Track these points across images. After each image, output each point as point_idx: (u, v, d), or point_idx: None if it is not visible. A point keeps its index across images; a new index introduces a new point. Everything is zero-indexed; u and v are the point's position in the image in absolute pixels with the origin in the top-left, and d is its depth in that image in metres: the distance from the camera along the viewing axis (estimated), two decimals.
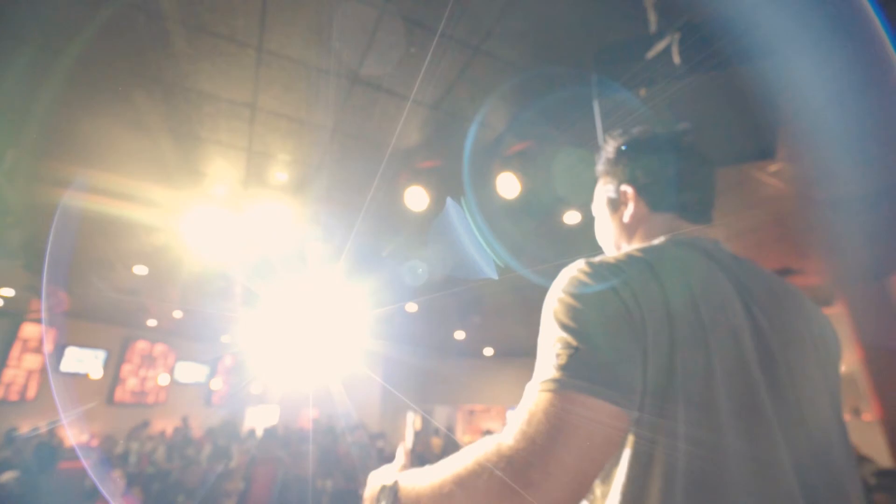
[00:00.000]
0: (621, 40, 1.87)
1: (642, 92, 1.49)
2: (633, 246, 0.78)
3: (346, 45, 2.45)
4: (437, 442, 8.47)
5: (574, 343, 0.56)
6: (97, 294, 7.14)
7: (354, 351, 9.54)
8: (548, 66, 2.58)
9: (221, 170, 3.57)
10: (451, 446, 8.50)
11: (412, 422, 11.14)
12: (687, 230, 0.77)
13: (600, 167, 0.91)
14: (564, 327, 0.58)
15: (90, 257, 5.54)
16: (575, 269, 0.64)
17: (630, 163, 0.83)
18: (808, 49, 2.12)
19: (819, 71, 2.30)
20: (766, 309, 0.66)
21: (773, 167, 3.68)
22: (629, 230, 0.83)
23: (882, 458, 5.55)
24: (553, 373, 0.55)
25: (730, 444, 0.54)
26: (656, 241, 0.73)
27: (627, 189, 0.83)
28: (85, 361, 9.14)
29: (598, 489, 0.61)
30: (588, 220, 4.46)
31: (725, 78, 1.39)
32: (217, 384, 10.98)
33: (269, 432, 4.71)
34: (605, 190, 0.89)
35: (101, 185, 3.82)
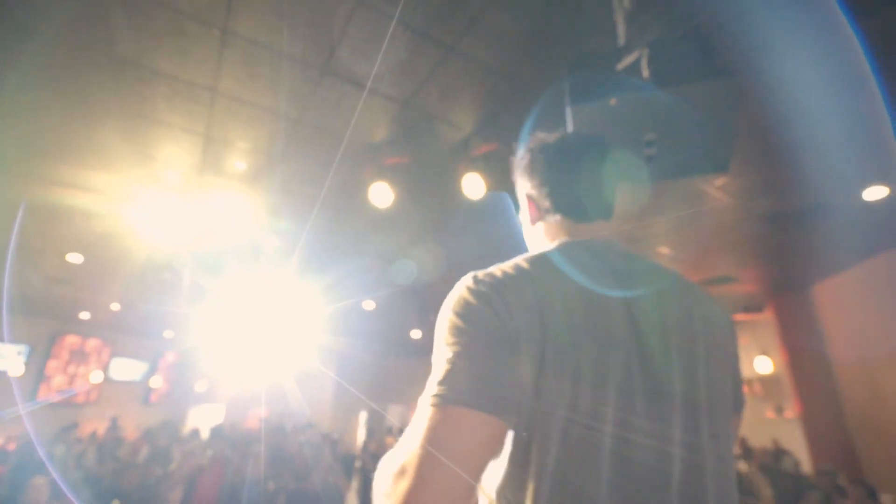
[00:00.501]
0: (594, 50, 1.93)
1: (612, 101, 1.55)
2: (538, 249, 0.80)
3: (317, 34, 2.38)
4: (390, 441, 8.40)
5: (452, 359, 0.60)
6: (22, 284, 6.53)
7: (307, 348, 9.30)
8: (521, 71, 2.63)
9: (174, 155, 3.37)
10: None
11: (364, 421, 11.01)
12: (583, 232, 0.80)
13: (513, 176, 0.96)
14: (446, 343, 0.62)
15: (16, 243, 5.07)
16: (460, 285, 0.68)
17: (522, 173, 0.88)
18: (762, 71, 2.28)
19: (770, 92, 2.49)
20: (647, 304, 0.68)
21: (719, 181, 3.93)
22: (534, 234, 0.88)
23: (801, 453, 6.08)
24: (434, 388, 0.59)
25: (596, 439, 0.58)
26: (551, 245, 0.78)
27: (524, 197, 0.89)
28: (5, 357, 8.35)
29: (493, 491, 0.63)
30: None
31: (689, 93, 1.47)
32: (157, 382, 10.35)
33: (217, 431, 4.49)
34: (518, 195, 0.95)
35: (34, 166, 3.51)
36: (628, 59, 1.68)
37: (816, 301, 6.81)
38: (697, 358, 0.68)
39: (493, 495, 0.63)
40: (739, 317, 7.13)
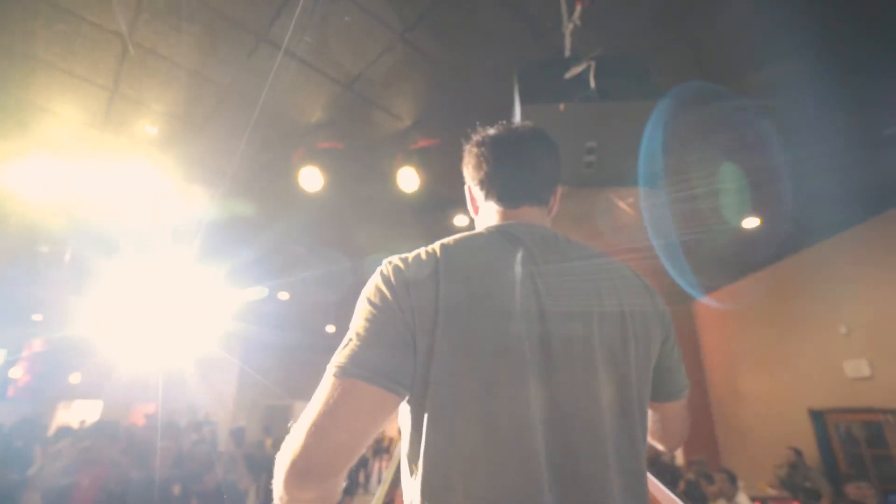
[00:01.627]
0: (541, 56, 2.02)
1: (562, 107, 1.63)
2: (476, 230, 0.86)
3: None
4: (268, 443, 7.77)
5: (353, 336, 0.66)
6: None
7: (209, 339, 8.57)
8: (467, 68, 2.67)
9: (71, 108, 2.93)
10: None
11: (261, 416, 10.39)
12: (512, 217, 0.83)
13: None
14: (353, 321, 0.69)
15: None
16: (376, 273, 0.73)
17: (465, 165, 0.92)
18: (689, 95, 2.53)
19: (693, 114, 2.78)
20: (556, 288, 0.70)
21: (630, 198, 4.31)
22: (477, 221, 0.92)
23: None
24: (334, 360, 0.65)
25: (484, 406, 0.62)
26: (475, 231, 0.82)
27: (466, 187, 0.93)
28: None
29: (411, 465, 0.67)
30: (472, 228, 4.69)
31: (629, 109, 1.60)
32: (17, 372, 8.88)
33: (99, 428, 3.96)
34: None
35: None
36: (576, 70, 1.78)
37: (697, 314, 7.76)
38: (609, 337, 0.70)
39: (406, 462, 0.67)
40: None
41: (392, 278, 0.70)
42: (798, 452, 4.89)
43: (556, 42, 2.37)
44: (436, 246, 0.75)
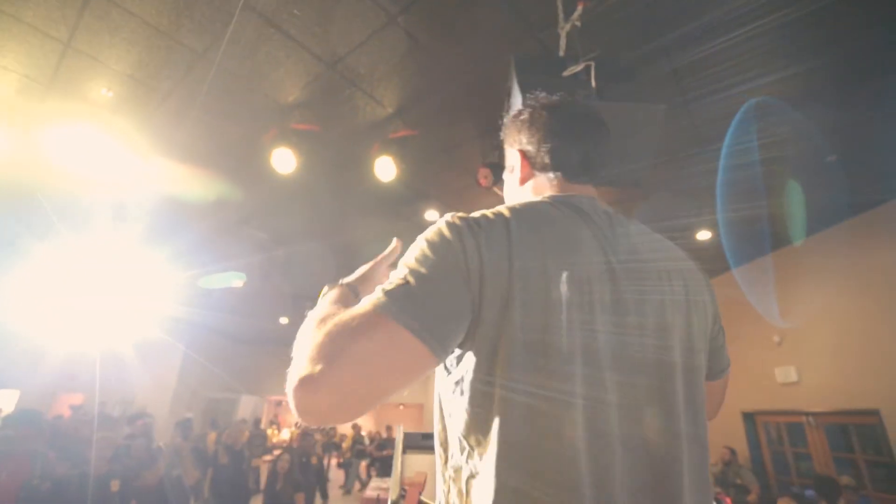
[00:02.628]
0: (534, 53, 2.03)
1: None
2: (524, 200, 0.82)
3: None
4: (211, 437, 7.36)
5: (406, 278, 0.60)
6: None
7: (148, 326, 8.00)
8: (457, 60, 2.64)
9: (14, 58, 2.63)
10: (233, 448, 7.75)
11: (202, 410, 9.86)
12: (571, 190, 0.82)
13: (502, 133, 0.96)
14: (405, 263, 0.63)
15: None
16: (440, 220, 0.68)
17: (519, 129, 0.88)
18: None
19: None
20: (625, 261, 0.70)
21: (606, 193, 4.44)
22: (522, 191, 0.88)
23: None
24: (380, 296, 0.59)
25: (560, 386, 0.59)
26: (535, 199, 0.78)
27: (516, 153, 0.88)
28: None
29: (471, 439, 0.62)
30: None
31: (625, 111, 1.64)
32: None
33: (19, 418, 3.58)
34: (507, 155, 0.94)
35: None
36: (574, 68, 1.81)
37: None
38: (675, 314, 0.71)
39: (460, 443, 0.62)
40: None
41: (462, 232, 0.64)
42: (733, 452, 5.25)
43: (547, 40, 2.40)
44: (502, 209, 0.71)
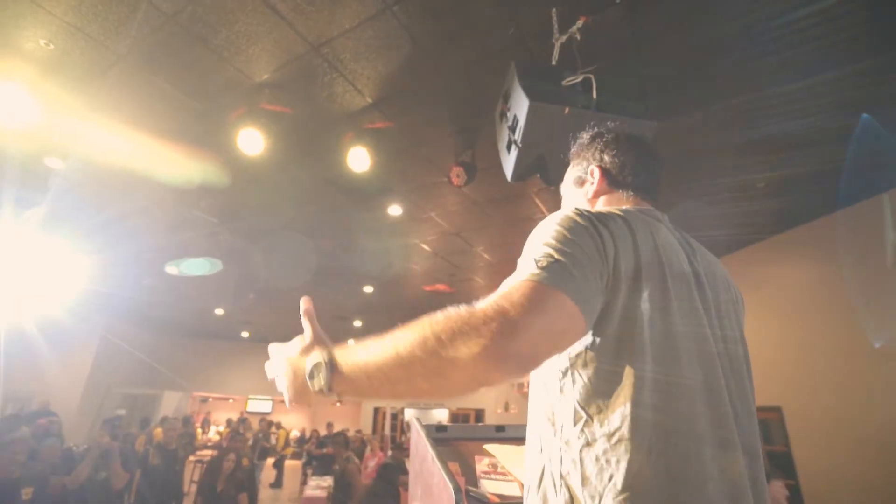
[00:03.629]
0: (524, 59, 2.09)
1: (567, 110, 1.71)
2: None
3: None
4: (141, 439, 6.84)
5: (556, 255, 0.65)
6: None
7: (57, 312, 7.15)
8: (446, 56, 2.64)
9: None
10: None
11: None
12: (642, 205, 0.92)
13: (574, 150, 1.06)
14: (549, 245, 0.67)
15: None
16: (568, 211, 0.74)
17: (600, 147, 0.98)
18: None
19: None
20: (703, 265, 0.82)
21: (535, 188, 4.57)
22: (592, 204, 0.97)
23: None
24: (534, 268, 0.63)
25: (685, 365, 0.68)
26: (625, 208, 0.86)
27: (595, 168, 0.97)
28: None
29: (591, 408, 0.67)
30: (405, 220, 4.57)
31: (623, 125, 1.73)
32: None
33: None
34: (575, 169, 1.04)
35: None
36: (573, 79, 1.88)
37: None
38: (735, 316, 0.82)
39: (576, 413, 0.66)
40: None
41: (595, 223, 0.71)
42: None
43: (536, 48, 2.47)
44: (612, 209, 0.78)
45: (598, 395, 0.65)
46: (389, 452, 5.35)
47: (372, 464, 6.32)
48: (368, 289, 7.41)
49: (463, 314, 0.59)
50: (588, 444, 0.64)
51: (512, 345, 0.56)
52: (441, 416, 12.81)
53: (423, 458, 1.02)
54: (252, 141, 3.03)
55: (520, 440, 1.24)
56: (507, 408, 9.33)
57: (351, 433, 8.86)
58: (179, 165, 3.66)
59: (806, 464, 3.99)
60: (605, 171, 0.96)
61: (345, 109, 3.11)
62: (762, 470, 0.68)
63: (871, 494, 3.51)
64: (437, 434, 1.11)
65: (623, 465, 0.60)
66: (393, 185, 4.14)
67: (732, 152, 3.40)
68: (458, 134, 3.39)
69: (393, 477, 5.01)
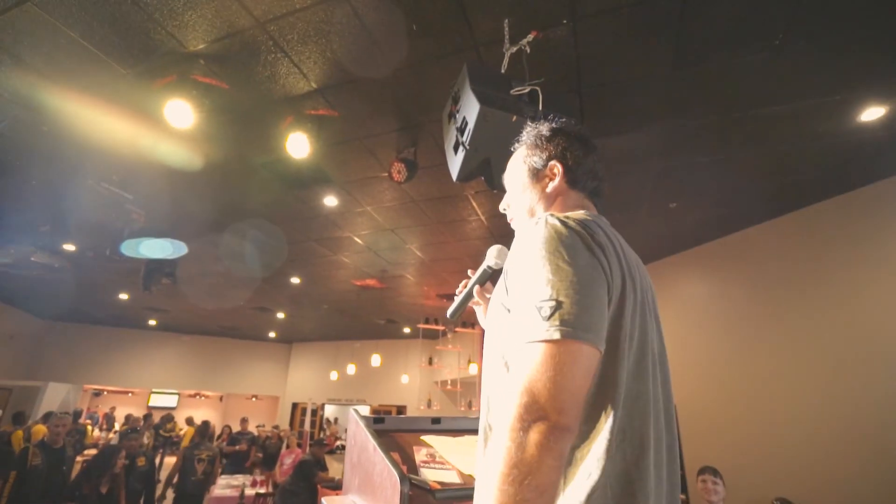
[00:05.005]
0: (487, 65, 2.16)
1: (514, 118, 1.78)
2: (555, 212, 0.89)
3: None
4: (18, 434, 6.07)
5: (560, 296, 0.65)
6: None
7: None
8: (399, 50, 2.63)
9: None
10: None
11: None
12: (590, 207, 0.95)
13: (529, 139, 1.02)
14: (547, 282, 0.66)
15: None
16: (550, 225, 0.73)
17: (563, 144, 0.96)
18: None
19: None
20: (640, 274, 0.84)
21: (473, 189, 4.72)
22: (548, 199, 0.95)
23: None
24: (548, 324, 0.64)
25: (640, 376, 0.73)
26: (579, 212, 0.84)
27: (557, 164, 0.95)
28: None
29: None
30: (340, 212, 4.50)
31: None
32: None
33: None
34: (531, 159, 0.99)
35: None
36: (521, 89, 1.97)
37: None
38: (655, 321, 0.86)
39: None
40: (459, 329, 8.65)
41: (588, 236, 0.73)
42: None
43: (486, 55, 2.56)
44: (582, 215, 0.80)
45: (597, 404, 0.70)
46: (310, 449, 5.20)
47: (289, 461, 6.11)
48: (295, 280, 7.14)
49: (509, 448, 0.59)
50: (576, 446, 0.68)
51: (563, 424, 0.59)
52: (362, 412, 12.66)
53: (363, 448, 1.03)
54: (181, 113, 2.80)
55: (455, 432, 1.29)
56: (429, 404, 9.44)
57: (267, 429, 8.47)
58: (88, 130, 3.28)
59: (693, 458, 4.47)
60: (567, 169, 0.94)
61: (287, 92, 2.98)
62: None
63: (756, 486, 4.01)
64: (376, 426, 1.12)
65: (598, 461, 0.66)
66: (331, 176, 4.04)
67: (652, 176, 3.74)
68: (402, 130, 3.39)
69: (310, 473, 4.89)
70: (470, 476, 0.95)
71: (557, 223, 0.73)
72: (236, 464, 6.98)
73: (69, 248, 5.62)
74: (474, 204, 4.52)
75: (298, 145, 3.16)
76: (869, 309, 3.56)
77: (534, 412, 0.58)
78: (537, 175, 0.97)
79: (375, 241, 5.55)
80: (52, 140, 3.49)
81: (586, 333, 0.63)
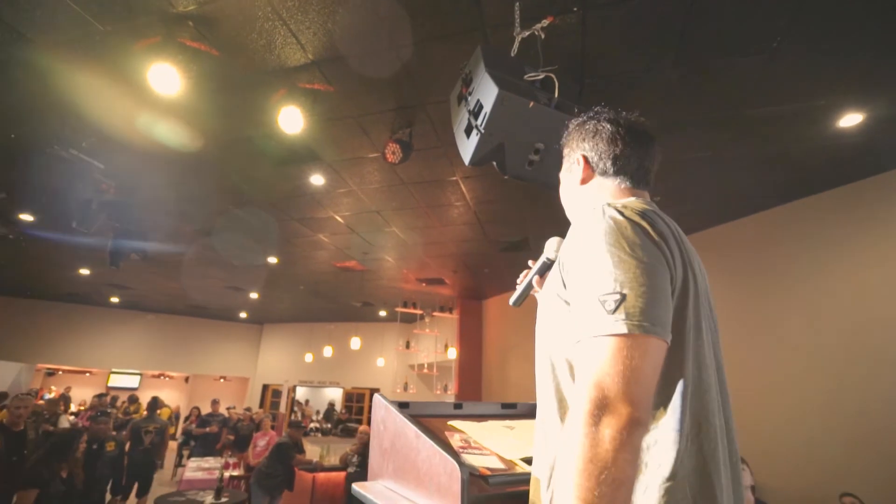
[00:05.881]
0: (502, 49, 2.12)
1: (531, 104, 1.76)
2: (590, 202, 0.93)
3: None
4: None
5: (626, 291, 0.65)
6: None
7: None
8: (403, 28, 2.55)
9: None
10: None
11: None
12: (638, 195, 0.93)
13: (563, 139, 1.07)
14: (618, 278, 0.66)
15: None
16: (615, 218, 0.73)
17: (584, 137, 0.98)
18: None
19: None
20: (698, 262, 0.86)
21: (461, 173, 4.72)
22: (581, 190, 0.98)
23: None
24: (622, 319, 0.63)
25: (703, 366, 0.74)
26: (633, 201, 0.85)
27: (579, 156, 0.98)
28: None
29: None
30: (326, 190, 4.38)
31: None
32: None
33: None
34: (567, 159, 1.05)
35: None
36: (534, 76, 1.95)
37: (485, 311, 9.06)
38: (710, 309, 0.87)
39: None
40: (437, 314, 8.67)
41: (648, 226, 0.73)
42: None
43: (493, 37, 2.51)
44: (654, 211, 0.81)
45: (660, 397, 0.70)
46: (286, 431, 5.14)
47: (262, 443, 6.03)
48: (272, 259, 6.95)
49: (583, 443, 0.59)
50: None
51: (635, 418, 0.59)
52: (334, 394, 12.59)
53: (399, 434, 1.01)
54: (166, 79, 2.63)
55: (479, 417, 1.29)
56: (405, 387, 9.48)
57: (238, 411, 8.31)
58: (60, 90, 3.05)
59: None
60: (587, 160, 0.96)
61: (282, 63, 2.85)
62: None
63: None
64: (404, 410, 1.10)
65: (667, 454, 0.66)
66: (321, 153, 3.92)
67: None
68: (398, 110, 3.31)
69: (287, 456, 4.84)
70: (511, 462, 0.95)
71: (617, 214, 0.74)
72: (206, 446, 6.83)
73: (26, 217, 5.26)
74: (463, 189, 4.49)
75: (291, 120, 3.03)
76: (838, 300, 3.80)
77: (605, 407, 0.59)
78: (570, 169, 1.01)
79: (358, 222, 5.45)
80: (16, 98, 3.22)
81: (653, 326, 0.63)
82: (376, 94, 3.13)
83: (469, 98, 1.97)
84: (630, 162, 0.93)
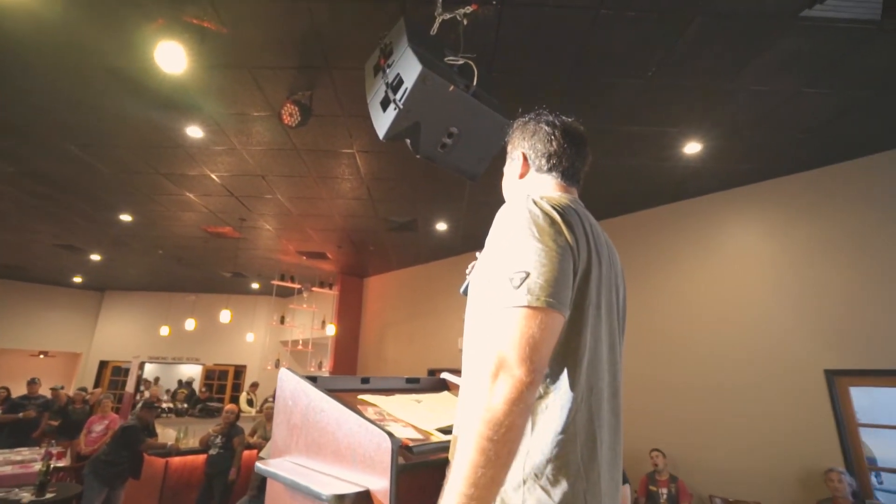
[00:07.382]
0: (428, 30, 2.10)
1: (451, 88, 1.78)
2: (523, 194, 0.97)
3: None
4: None
5: (533, 270, 0.74)
6: None
7: None
8: None
9: None
10: None
11: None
12: (568, 192, 1.02)
13: (508, 136, 1.15)
14: (525, 259, 0.75)
15: None
16: (526, 206, 0.82)
17: (524, 134, 1.08)
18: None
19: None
20: (609, 253, 0.95)
21: (357, 146, 4.66)
22: (519, 184, 1.07)
23: None
24: (524, 293, 0.72)
25: (600, 337, 0.86)
26: (555, 194, 0.93)
27: (519, 153, 1.08)
28: None
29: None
30: (203, 144, 3.97)
31: (487, 113, 1.92)
32: None
33: None
34: (509, 152, 1.14)
35: None
36: (453, 60, 1.97)
37: (366, 289, 8.99)
38: (621, 302, 0.99)
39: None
40: (316, 289, 8.34)
41: (558, 215, 0.80)
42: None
43: (412, 11, 2.47)
44: (558, 197, 0.88)
45: (559, 358, 0.79)
46: (135, 413, 4.52)
47: (99, 428, 5.25)
48: (126, 217, 5.96)
49: (483, 398, 0.67)
50: (541, 395, 0.77)
51: (531, 380, 0.67)
52: (192, 371, 11.39)
53: (312, 408, 0.98)
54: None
55: (385, 391, 1.31)
56: (277, 364, 8.98)
57: (70, 391, 7.02)
58: None
59: None
60: (526, 157, 1.06)
61: None
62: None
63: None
64: (316, 385, 1.07)
65: (561, 411, 0.76)
66: (202, 103, 3.45)
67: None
68: (301, 69, 3.07)
69: (136, 440, 4.29)
70: (427, 432, 1.00)
71: (533, 205, 0.82)
72: (17, 434, 5.67)
73: None
74: (359, 163, 4.37)
75: (171, 57, 2.62)
76: (680, 296, 4.65)
77: (504, 367, 0.68)
78: (512, 164, 1.11)
79: (239, 185, 4.95)
80: None
81: (550, 300, 0.72)
82: (278, 48, 2.86)
83: (388, 70, 1.92)
84: (562, 161, 1.03)
